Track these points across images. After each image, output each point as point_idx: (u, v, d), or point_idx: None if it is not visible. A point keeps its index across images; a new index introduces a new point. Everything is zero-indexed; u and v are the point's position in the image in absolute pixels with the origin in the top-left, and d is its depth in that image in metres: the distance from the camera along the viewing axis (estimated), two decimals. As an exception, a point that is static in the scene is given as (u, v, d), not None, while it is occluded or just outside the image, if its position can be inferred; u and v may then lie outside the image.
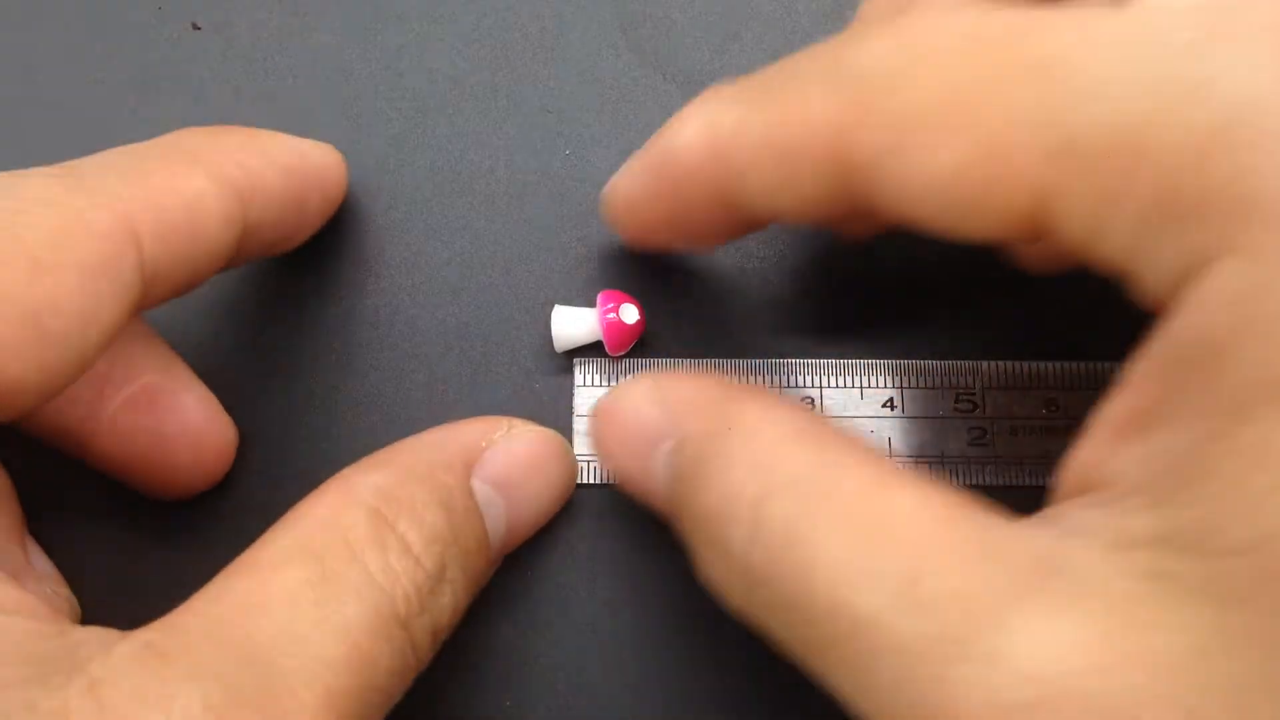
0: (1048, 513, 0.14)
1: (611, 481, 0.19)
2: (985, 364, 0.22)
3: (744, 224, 0.18)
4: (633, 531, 0.21)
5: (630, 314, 0.22)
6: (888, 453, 0.21)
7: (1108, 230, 0.13)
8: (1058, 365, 0.22)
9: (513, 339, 0.23)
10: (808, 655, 0.14)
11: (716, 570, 0.15)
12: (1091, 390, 0.21)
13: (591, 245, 0.23)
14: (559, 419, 0.22)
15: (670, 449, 0.17)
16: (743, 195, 0.17)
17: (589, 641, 0.21)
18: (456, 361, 0.23)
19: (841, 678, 0.13)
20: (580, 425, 0.22)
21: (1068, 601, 0.12)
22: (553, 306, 0.22)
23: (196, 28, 0.25)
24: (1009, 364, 0.22)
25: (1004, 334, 0.22)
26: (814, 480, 0.14)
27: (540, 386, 0.22)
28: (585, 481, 0.22)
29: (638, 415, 0.18)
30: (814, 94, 0.15)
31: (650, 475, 0.17)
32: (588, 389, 0.22)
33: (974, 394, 0.21)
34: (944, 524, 0.13)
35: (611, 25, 0.25)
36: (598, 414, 0.19)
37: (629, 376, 0.19)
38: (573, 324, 0.22)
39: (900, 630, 0.13)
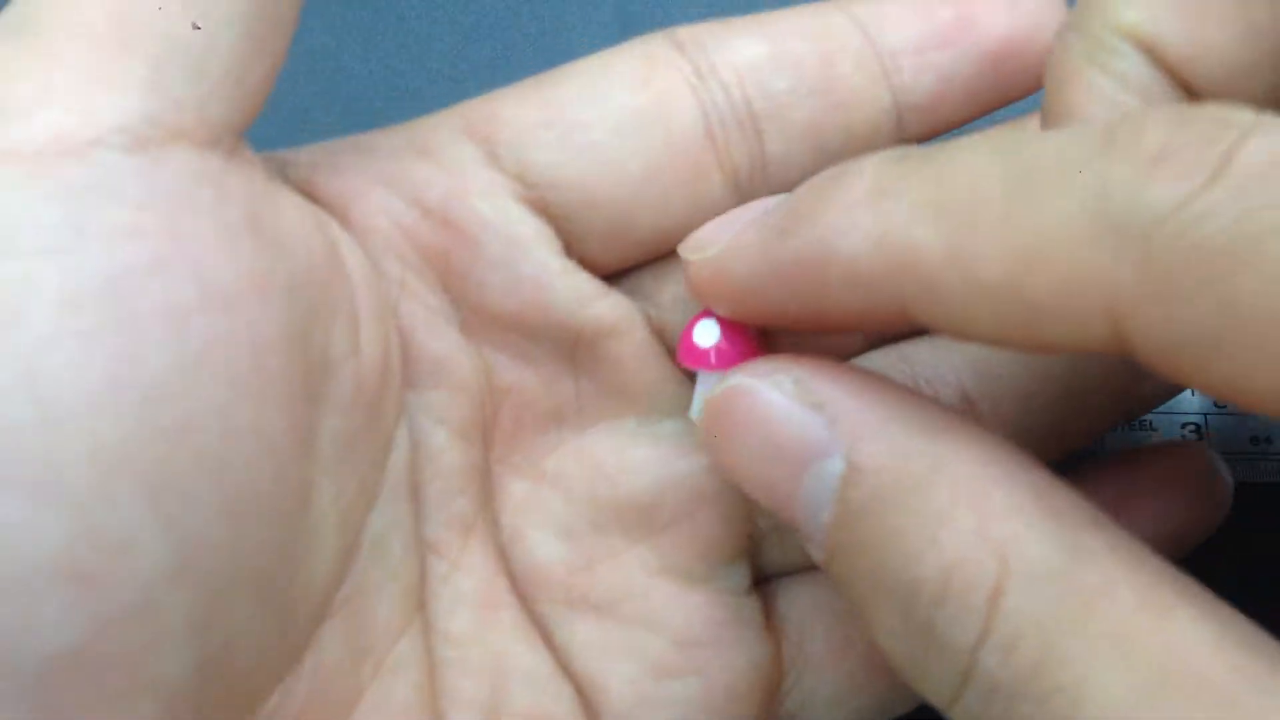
0: None
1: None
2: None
3: (906, 327, 0.14)
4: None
5: (706, 335, 0.16)
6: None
7: None
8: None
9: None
10: None
11: (913, 655, 0.13)
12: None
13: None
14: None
15: (838, 475, 0.13)
16: (941, 323, 0.13)
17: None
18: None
19: None
20: None
21: None
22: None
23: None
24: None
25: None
26: (1071, 579, 0.12)
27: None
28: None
29: (786, 419, 0.14)
30: (1086, 243, 0.11)
31: (798, 499, 0.14)
32: None
33: None
34: (1252, 678, 0.11)
35: (612, 25, 0.25)
36: (718, 404, 0.15)
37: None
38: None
39: None
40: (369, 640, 0.15)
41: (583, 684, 0.17)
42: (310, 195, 0.16)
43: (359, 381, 0.15)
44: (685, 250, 0.16)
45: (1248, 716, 0.11)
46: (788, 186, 0.17)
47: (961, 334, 0.13)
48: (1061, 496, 0.13)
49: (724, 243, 0.15)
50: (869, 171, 0.13)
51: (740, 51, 0.17)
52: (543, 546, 0.17)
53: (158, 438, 0.12)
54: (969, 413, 0.18)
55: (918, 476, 0.13)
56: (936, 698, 0.13)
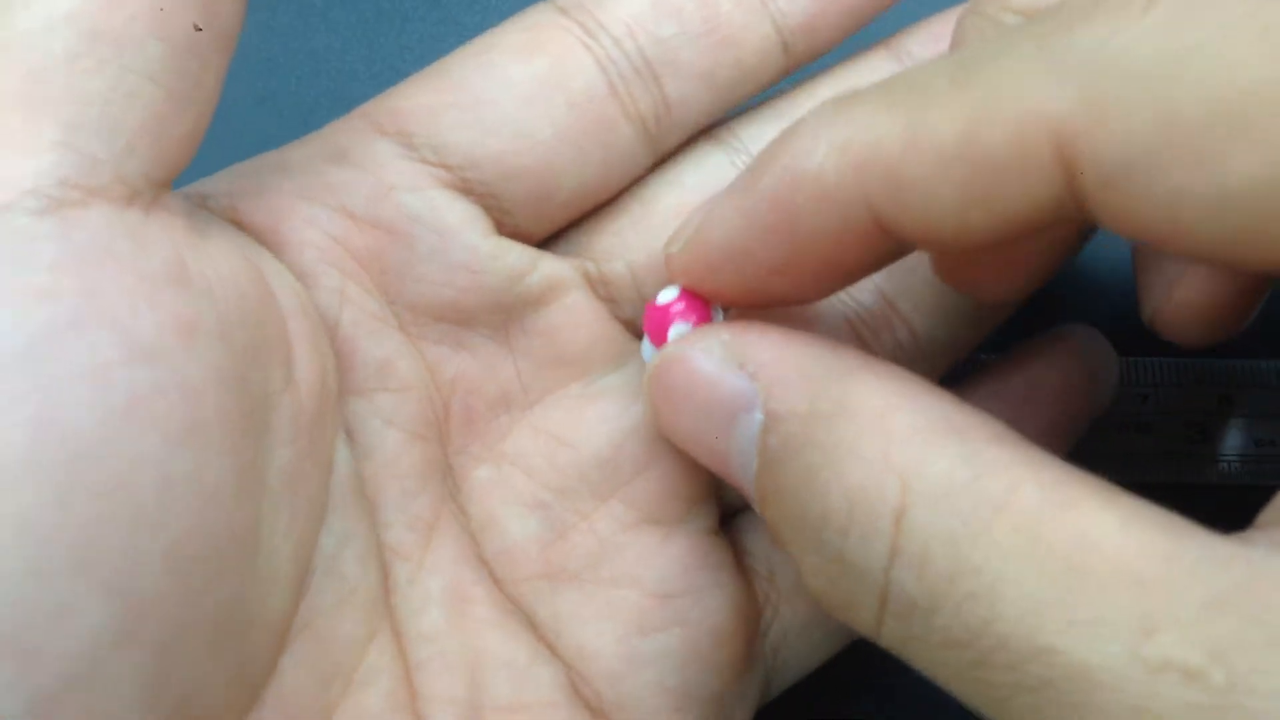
0: (1270, 532, 0.12)
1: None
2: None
3: (880, 259, 0.15)
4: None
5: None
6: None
7: None
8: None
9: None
10: (987, 697, 0.12)
11: (836, 587, 0.13)
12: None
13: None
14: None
15: (759, 426, 0.14)
16: (906, 218, 0.13)
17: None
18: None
19: None
20: None
21: None
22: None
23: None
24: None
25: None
26: (975, 489, 0.12)
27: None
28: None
29: (712, 379, 0.15)
30: (1029, 84, 0.12)
31: (730, 453, 0.15)
32: None
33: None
34: (1163, 556, 0.11)
35: (613, 26, 0.25)
36: (658, 374, 0.16)
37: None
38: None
39: (1148, 693, 0.10)
40: (334, 659, 0.15)
41: (571, 655, 0.17)
42: (236, 224, 0.16)
43: (298, 410, 0.15)
44: (667, 248, 0.16)
45: (1158, 591, 0.11)
46: (692, 126, 0.19)
47: (926, 227, 0.13)
48: (964, 416, 0.13)
49: (698, 220, 0.16)
50: (818, 109, 0.14)
51: (623, 6, 0.18)
52: (515, 525, 0.17)
53: (89, 499, 0.12)
54: (890, 313, 0.19)
55: (825, 416, 0.13)
56: (864, 627, 0.13)
